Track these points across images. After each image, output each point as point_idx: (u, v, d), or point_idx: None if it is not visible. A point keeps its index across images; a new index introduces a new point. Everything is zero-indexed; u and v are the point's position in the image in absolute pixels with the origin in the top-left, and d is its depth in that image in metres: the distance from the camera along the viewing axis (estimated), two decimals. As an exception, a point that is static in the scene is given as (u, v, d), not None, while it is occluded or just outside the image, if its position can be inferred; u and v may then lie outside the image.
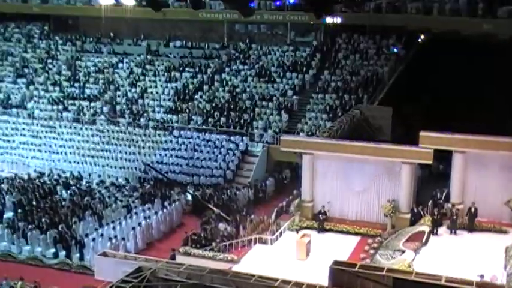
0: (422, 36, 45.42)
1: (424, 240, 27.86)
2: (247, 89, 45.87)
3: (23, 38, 56.96)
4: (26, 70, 52.89)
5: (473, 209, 29.10)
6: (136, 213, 33.77)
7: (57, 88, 50.11)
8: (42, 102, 48.82)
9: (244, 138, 41.43)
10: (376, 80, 43.40)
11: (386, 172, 30.31)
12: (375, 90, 42.62)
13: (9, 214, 34.68)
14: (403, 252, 26.38)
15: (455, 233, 29.10)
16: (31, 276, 26.93)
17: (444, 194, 30.90)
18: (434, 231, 29.02)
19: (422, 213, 29.84)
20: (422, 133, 29.32)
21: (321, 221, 30.31)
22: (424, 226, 28.93)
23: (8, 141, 45.58)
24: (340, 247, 28.35)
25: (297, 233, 29.77)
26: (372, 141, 31.29)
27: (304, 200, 31.69)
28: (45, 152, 43.77)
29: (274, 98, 44.38)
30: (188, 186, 37.67)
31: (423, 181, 32.54)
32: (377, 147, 30.11)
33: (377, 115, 37.56)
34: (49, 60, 53.67)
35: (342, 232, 30.18)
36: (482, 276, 21.64)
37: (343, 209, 31.41)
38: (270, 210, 32.64)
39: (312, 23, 46.23)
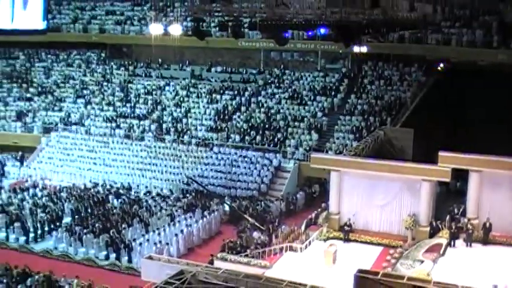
0: (442, 65, 44.87)
1: (441, 252, 27.38)
2: (281, 111, 45.60)
3: (83, 64, 57.35)
4: (84, 92, 53.21)
5: (487, 224, 28.43)
6: (179, 221, 33.67)
7: (111, 108, 50.30)
8: (98, 120, 49.00)
9: (277, 155, 41.11)
10: (399, 104, 42.93)
11: (407, 188, 29.84)
12: (398, 113, 42.16)
13: (67, 219, 35.07)
14: (422, 262, 25.97)
15: (470, 245, 28.41)
16: (85, 276, 27.07)
17: (461, 210, 30.26)
18: (451, 243, 28.43)
19: (440, 226, 29.32)
20: (441, 153, 28.78)
21: (347, 232, 29.94)
22: (441, 239, 28.43)
23: (68, 154, 45.77)
24: (364, 256, 27.95)
25: (325, 242, 29.47)
26: (394, 160, 30.86)
27: (332, 212, 31.33)
28: (100, 164, 43.88)
29: (306, 119, 44.08)
30: (226, 198, 37.46)
31: (441, 197, 31.90)
32: (399, 166, 29.76)
33: (399, 136, 37.13)
34: (105, 83, 54.03)
35: (365, 243, 29.76)
36: (495, 286, 21.36)
37: (367, 221, 30.96)
38: (300, 221, 32.30)
39: (340, 51, 46.02)
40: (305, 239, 29.44)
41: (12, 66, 56.99)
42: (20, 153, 47.93)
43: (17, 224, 33.65)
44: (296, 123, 43.92)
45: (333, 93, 46.35)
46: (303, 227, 30.94)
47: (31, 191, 39.94)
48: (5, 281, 26.37)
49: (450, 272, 25.18)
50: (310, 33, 26.01)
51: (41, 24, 13.76)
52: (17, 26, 13.12)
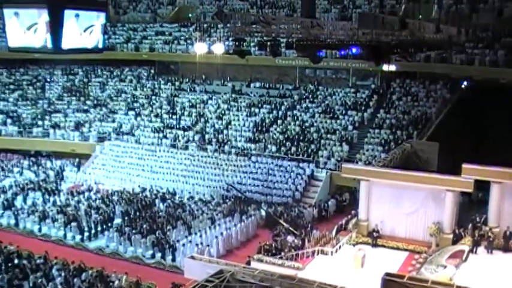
0: (465, 83, 44.46)
1: (464, 258, 27.12)
2: (315, 124, 45.46)
3: (134, 79, 57.95)
4: (135, 104, 53.68)
5: (508, 232, 28.25)
6: (219, 224, 33.62)
7: (158, 119, 50.63)
8: (147, 131, 49.33)
9: (310, 165, 40.94)
10: (425, 119, 42.53)
11: (432, 198, 29.61)
12: (424, 127, 41.76)
13: (118, 221, 35.37)
14: (446, 267, 25.77)
15: (491, 252, 28.13)
16: (133, 272, 27.29)
17: (483, 219, 29.99)
18: (474, 250, 28.15)
19: (463, 234, 29.05)
20: (464, 165, 28.59)
21: (375, 238, 29.80)
22: (464, 246, 28.14)
23: (119, 161, 46.18)
24: (391, 261, 27.77)
25: (354, 247, 29.36)
26: (420, 171, 30.58)
27: (361, 219, 31.17)
28: (148, 171, 44.12)
29: (337, 131, 43.91)
30: (262, 204, 37.37)
31: (464, 207, 31.57)
32: (425, 177, 29.55)
33: (425, 149, 36.81)
34: (153, 97, 54.43)
35: (392, 248, 29.59)
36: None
37: (394, 228, 30.72)
38: (331, 227, 32.14)
39: (370, 69, 45.95)
40: (335, 243, 29.33)
41: (72, 81, 57.85)
42: (77, 159, 48.61)
43: (73, 224, 34.09)
44: (328, 136, 43.72)
45: (363, 108, 46.08)
46: (333, 232, 30.82)
47: (86, 194, 40.40)
48: (63, 274, 26.77)
49: (472, 277, 24.88)
50: (342, 52, 25.89)
51: (98, 44, 13.91)
52: (79, 46, 13.27)
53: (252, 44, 35.13)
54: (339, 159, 40.70)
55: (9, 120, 51.38)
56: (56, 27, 12.43)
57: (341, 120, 45.28)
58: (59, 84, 57.32)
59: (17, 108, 53.27)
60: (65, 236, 33.80)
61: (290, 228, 32.03)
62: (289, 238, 30.51)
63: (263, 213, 35.77)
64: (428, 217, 29.67)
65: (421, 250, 28.84)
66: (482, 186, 29.89)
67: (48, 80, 58.00)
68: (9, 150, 50.54)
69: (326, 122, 45.49)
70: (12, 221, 35.94)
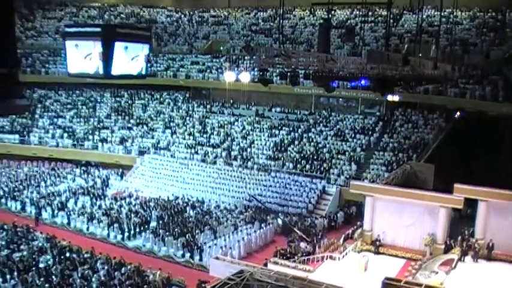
0: (458, 113, 44.36)
1: (453, 265, 27.32)
2: (327, 145, 45.41)
3: (171, 102, 58.24)
4: (171, 124, 53.92)
5: (491, 244, 28.58)
6: (241, 230, 33.71)
7: (191, 137, 50.85)
8: (181, 147, 49.54)
9: (323, 181, 40.91)
10: (423, 144, 42.39)
11: (428, 213, 29.66)
12: (422, 151, 41.62)
13: (153, 224, 35.46)
14: (437, 273, 25.88)
15: (477, 261, 28.43)
16: (165, 269, 27.53)
17: (470, 231, 30.23)
18: (462, 259, 28.41)
19: (453, 245, 29.21)
20: (456, 185, 28.90)
21: (377, 246, 29.81)
22: (454, 255, 28.28)
23: (156, 173, 46.40)
24: (391, 266, 27.79)
25: (359, 253, 29.32)
26: (418, 189, 30.57)
27: (365, 229, 31.18)
28: (180, 182, 44.30)
29: (347, 152, 43.85)
30: (279, 214, 37.31)
31: (455, 221, 31.57)
32: (422, 194, 29.63)
33: (423, 170, 36.76)
34: (187, 118, 54.64)
35: (392, 255, 29.63)
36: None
37: (394, 238, 30.73)
38: (339, 236, 32.15)
39: (377, 99, 45.93)
40: (343, 250, 29.37)
41: (118, 102, 58.32)
42: (120, 170, 48.97)
43: (116, 225, 34.34)
44: (339, 156, 43.66)
45: (369, 132, 46.00)
46: (341, 240, 30.82)
47: (127, 199, 40.66)
48: (106, 267, 27.01)
49: (460, 282, 25.28)
50: (352, 83, 26.02)
51: (142, 71, 14.16)
52: (126, 72, 13.54)
53: (274, 74, 35.24)
54: (348, 176, 40.64)
55: (65, 135, 51.98)
56: (107, 56, 12.69)
57: (350, 143, 45.22)
58: (108, 105, 57.84)
59: (72, 124, 53.85)
60: (108, 235, 34.05)
61: (303, 235, 31.96)
62: (302, 244, 30.46)
63: (280, 221, 35.68)
64: (424, 229, 29.72)
65: (416, 258, 28.83)
66: (471, 204, 30.13)
67: (99, 101, 58.54)
68: (64, 160, 51.08)
69: (337, 144, 45.44)
70: (65, 221, 36.35)
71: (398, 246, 30.37)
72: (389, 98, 38.33)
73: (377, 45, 50.61)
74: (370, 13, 56.16)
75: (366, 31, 52.17)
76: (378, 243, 30.07)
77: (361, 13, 55.82)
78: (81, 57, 13.08)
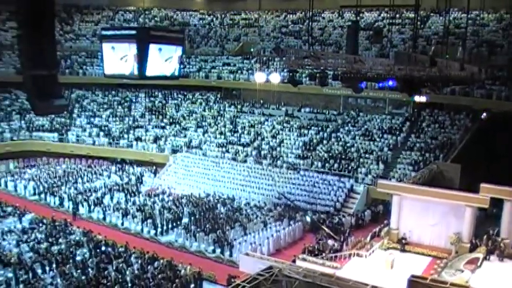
0: (484, 114, 43.76)
1: (479, 264, 26.87)
2: (355, 145, 45.18)
3: (203, 102, 58.60)
4: (203, 123, 54.23)
5: None
6: (270, 227, 33.74)
7: (222, 136, 51.07)
8: (212, 145, 49.78)
9: (350, 179, 40.71)
10: (450, 144, 41.90)
11: (454, 212, 29.26)
12: (448, 151, 41.15)
13: (185, 220, 35.63)
14: (463, 271, 25.51)
15: (502, 260, 27.94)
16: (196, 264, 27.76)
17: (496, 231, 29.72)
18: (487, 258, 27.90)
19: (478, 244, 28.75)
20: (482, 185, 28.38)
21: (403, 244, 29.54)
22: (479, 254, 27.81)
23: (188, 170, 46.66)
24: (416, 264, 27.52)
25: (385, 251, 29.09)
26: (444, 189, 30.21)
27: (392, 228, 30.93)
28: (212, 180, 44.45)
29: (374, 152, 43.55)
30: (308, 211, 37.29)
31: (480, 220, 31.13)
32: (448, 193, 29.25)
33: (449, 170, 36.31)
34: (219, 117, 54.91)
35: (418, 253, 29.33)
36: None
37: (420, 236, 30.43)
38: (366, 234, 31.94)
39: (404, 99, 45.50)
40: (369, 247, 29.14)
41: (152, 102, 58.83)
42: (154, 167, 49.44)
43: (149, 221, 34.71)
44: (367, 155, 43.39)
45: (397, 132, 45.63)
46: (368, 238, 30.63)
47: (160, 196, 41.04)
48: (139, 261, 27.32)
49: (485, 281, 24.82)
50: (380, 84, 25.78)
51: (175, 72, 14.28)
52: (159, 73, 13.66)
53: (303, 75, 35.21)
54: (375, 175, 40.37)
55: (101, 133, 52.64)
56: (142, 58, 12.80)
57: (378, 143, 44.93)
58: (142, 105, 58.40)
59: (108, 124, 54.53)
60: (142, 230, 34.42)
61: (331, 233, 31.89)
62: (330, 242, 30.40)
63: (308, 219, 35.64)
64: (450, 228, 29.32)
65: (442, 256, 28.51)
66: (496, 203, 29.55)
67: (134, 101, 59.12)
68: (100, 158, 51.75)
69: (365, 144, 45.18)
70: (101, 216, 36.86)
71: (424, 245, 30.08)
72: (417, 98, 37.91)
73: (404, 46, 50.22)
74: (397, 15, 55.80)
75: (394, 33, 51.83)
76: (404, 241, 29.83)
77: (388, 15, 55.54)
78: (117, 58, 13.23)
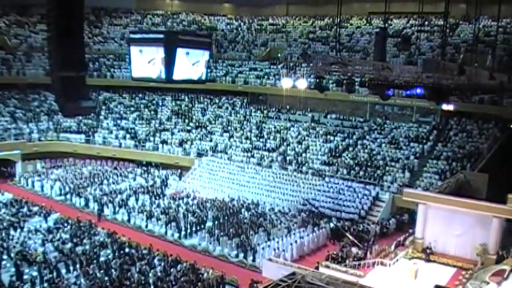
0: (514, 123, 43.27)
1: (505, 276, 26.46)
2: (381, 152, 44.84)
3: (230, 106, 58.75)
4: (229, 128, 54.34)
5: None
6: (294, 233, 33.63)
7: (248, 141, 51.10)
8: (238, 150, 49.83)
9: (376, 187, 40.34)
10: (477, 153, 41.35)
11: (480, 222, 28.90)
12: (476, 160, 40.59)
13: (209, 224, 35.69)
14: (488, 284, 25.25)
15: (530, 273, 27.24)
16: (219, 267, 27.85)
17: (524, 243, 29.22)
18: (514, 270, 27.34)
19: (505, 255, 28.32)
20: (510, 195, 28.01)
21: (428, 254, 29.28)
22: (506, 266, 27.46)
23: (213, 174, 46.72)
24: (441, 275, 27.25)
25: (409, 260, 28.87)
26: (471, 199, 29.84)
27: (417, 237, 30.67)
28: (236, 184, 44.49)
29: (400, 160, 43.14)
30: (332, 218, 37.09)
31: (507, 231, 30.64)
32: (475, 203, 28.90)
33: (476, 179, 35.87)
34: (245, 122, 54.98)
35: (442, 263, 29.05)
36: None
37: (445, 246, 30.11)
38: (390, 242, 31.74)
39: (431, 108, 45.04)
40: (393, 256, 28.96)
41: (179, 106, 59.20)
42: (179, 170, 49.70)
43: (173, 223, 34.86)
44: (393, 163, 43.02)
45: (424, 141, 45.17)
46: (392, 247, 30.44)
47: (185, 199, 41.18)
48: (162, 264, 27.48)
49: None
50: (408, 92, 25.53)
51: (202, 76, 14.39)
52: (187, 77, 13.78)
53: (330, 81, 35.15)
54: (401, 184, 40.00)
55: (128, 136, 53.06)
56: (169, 61, 12.93)
57: (404, 151, 44.52)
58: (169, 108, 58.79)
59: (134, 126, 54.96)
60: (166, 233, 34.60)
61: (355, 241, 31.69)
62: (354, 249, 30.22)
63: (332, 226, 35.50)
64: (476, 239, 28.96)
65: (467, 267, 28.17)
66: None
67: (160, 104, 59.55)
68: (126, 160, 52.18)
69: (391, 152, 44.81)
70: (126, 217, 37.16)
71: (449, 255, 29.78)
72: (444, 107, 37.57)
73: (433, 54, 49.78)
74: (426, 22, 55.35)
75: (422, 40, 51.40)
76: (428, 251, 29.57)
77: (417, 22, 55.09)
78: (145, 62, 13.39)
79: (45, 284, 25.47)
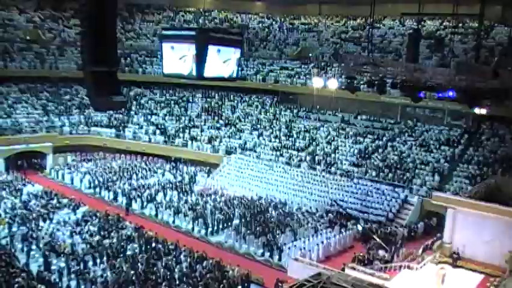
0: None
1: (536, 285, 25.88)
2: (411, 155, 44.43)
3: (259, 105, 58.80)
4: (258, 126, 54.44)
5: None
6: (321, 234, 33.55)
7: (277, 140, 51.11)
8: (266, 149, 49.92)
9: (405, 190, 40.00)
10: (509, 159, 40.68)
11: (510, 229, 28.37)
12: (508, 166, 39.89)
13: (236, 221, 35.75)
14: (518, 292, 24.66)
15: (561, 282, 26.74)
16: (245, 266, 27.88)
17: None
18: (545, 279, 26.83)
19: (536, 264, 27.72)
20: (543, 202, 27.45)
21: (456, 259, 28.94)
22: (536, 274, 26.85)
23: (241, 172, 46.89)
24: (468, 281, 26.96)
25: (436, 265, 28.54)
26: (502, 205, 29.38)
27: (445, 241, 30.39)
28: (264, 183, 44.53)
29: (430, 163, 42.67)
30: (360, 220, 36.85)
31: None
32: (505, 210, 28.52)
33: (508, 185, 35.19)
34: (274, 121, 54.99)
35: (470, 269, 28.69)
36: None
37: (473, 252, 29.72)
38: (418, 246, 31.47)
39: (463, 111, 44.37)
40: (421, 260, 28.69)
41: (209, 103, 59.45)
42: (207, 167, 49.95)
43: (200, 220, 35.05)
44: (422, 166, 42.59)
45: (455, 144, 44.64)
46: (420, 251, 30.16)
47: (212, 196, 41.36)
48: (188, 260, 27.65)
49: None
50: (440, 94, 25.27)
51: (233, 74, 14.40)
52: (217, 74, 13.80)
53: (361, 82, 34.90)
54: (430, 187, 39.61)
55: (157, 131, 53.55)
56: (200, 58, 12.94)
57: (434, 154, 44.02)
58: (199, 105, 59.09)
59: (164, 122, 55.41)
60: (192, 229, 34.84)
61: (382, 243, 31.45)
62: (381, 252, 30.01)
63: (360, 228, 35.25)
64: (505, 245, 28.51)
65: (496, 274, 27.79)
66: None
67: (190, 100, 59.83)
68: (155, 155, 52.64)
69: (421, 154, 44.36)
70: (153, 212, 37.52)
71: (477, 261, 29.38)
72: (477, 110, 37.03)
73: (466, 57, 49.05)
74: (460, 24, 54.56)
75: (456, 42, 50.70)
76: (456, 256, 29.24)
77: (451, 24, 54.40)
78: (176, 58, 13.41)
79: (72, 275, 25.85)
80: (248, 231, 33.20)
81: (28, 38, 57.81)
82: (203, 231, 34.35)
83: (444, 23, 57.54)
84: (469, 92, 24.10)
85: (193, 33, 13.66)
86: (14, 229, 31.30)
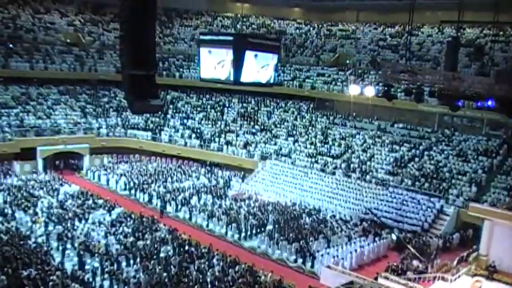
0: None
1: None
2: (448, 165, 43.73)
3: (295, 111, 58.70)
4: (294, 132, 54.34)
5: None
6: (354, 242, 33.29)
7: (312, 147, 50.93)
8: (302, 155, 49.77)
9: (441, 200, 39.36)
10: (550, 171, 39.75)
11: (551, 243, 27.73)
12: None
13: (270, 227, 35.75)
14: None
15: None
16: (277, 271, 27.73)
17: None
18: None
19: None
20: None
21: (491, 272, 28.36)
22: None
23: (276, 178, 46.83)
24: (505, 295, 26.30)
25: (472, 278, 28.04)
26: (541, 218, 28.77)
27: (481, 254, 29.81)
28: (299, 189, 44.38)
29: (468, 173, 41.92)
30: (394, 229, 36.43)
31: None
32: (545, 223, 27.77)
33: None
34: (310, 127, 54.81)
35: (506, 283, 28.05)
36: None
37: (510, 265, 29.10)
38: (453, 257, 30.97)
39: (503, 121, 43.56)
40: (455, 272, 28.18)
41: (245, 108, 59.65)
42: (242, 172, 50.09)
43: (234, 224, 35.18)
44: (459, 177, 41.88)
45: (493, 155, 43.74)
46: (455, 262, 29.69)
47: (246, 201, 41.44)
48: (221, 264, 27.71)
49: None
50: (478, 103, 24.86)
51: (270, 80, 14.43)
52: (255, 80, 13.86)
53: (398, 90, 34.56)
54: (467, 198, 38.90)
55: (193, 135, 53.90)
56: (238, 64, 13.01)
57: (472, 164, 43.25)
58: (235, 110, 59.33)
59: (200, 126, 55.76)
60: (226, 233, 34.96)
61: (416, 253, 31.09)
62: (415, 262, 29.67)
63: (394, 237, 34.87)
64: (545, 260, 27.84)
65: (534, 290, 27.11)
66: None
67: (227, 105, 60.16)
68: (190, 159, 52.99)
69: (458, 164, 43.64)
70: (187, 216, 37.78)
71: (514, 275, 28.78)
72: (517, 120, 36.45)
73: (507, 66, 48.14)
74: (501, 33, 53.59)
75: (496, 51, 49.78)
76: (492, 269, 28.66)
77: (491, 32, 53.44)
78: (214, 63, 13.51)
79: (106, 275, 26.19)
80: (281, 237, 33.13)
81: (68, 41, 59.17)
82: (236, 236, 34.43)
83: (484, 31, 56.59)
84: (508, 101, 23.64)
85: (231, 38, 13.75)
86: (50, 228, 32.01)
